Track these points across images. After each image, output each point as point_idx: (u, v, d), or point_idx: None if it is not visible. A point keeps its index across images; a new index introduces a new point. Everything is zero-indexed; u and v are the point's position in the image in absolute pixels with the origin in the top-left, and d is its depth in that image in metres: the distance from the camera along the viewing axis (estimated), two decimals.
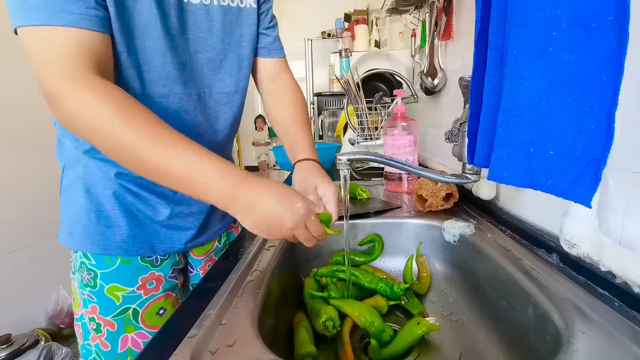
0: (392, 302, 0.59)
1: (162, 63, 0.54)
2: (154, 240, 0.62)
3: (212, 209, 0.69)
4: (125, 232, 0.59)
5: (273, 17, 0.71)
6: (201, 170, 0.43)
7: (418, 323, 0.48)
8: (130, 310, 0.61)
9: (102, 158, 0.57)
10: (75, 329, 0.64)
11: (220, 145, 0.68)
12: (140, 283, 0.61)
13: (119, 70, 0.51)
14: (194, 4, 0.56)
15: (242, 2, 0.63)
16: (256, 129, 4.99)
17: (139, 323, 0.62)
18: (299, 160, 0.64)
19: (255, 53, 0.69)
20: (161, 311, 0.64)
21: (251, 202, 0.44)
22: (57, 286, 1.76)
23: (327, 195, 0.56)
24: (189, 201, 0.64)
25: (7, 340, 1.45)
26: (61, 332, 1.70)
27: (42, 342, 1.53)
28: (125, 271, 0.60)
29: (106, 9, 0.47)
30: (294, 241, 0.48)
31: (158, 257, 0.63)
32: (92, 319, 0.60)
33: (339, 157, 0.57)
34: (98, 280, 0.59)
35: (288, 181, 1.24)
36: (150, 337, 0.62)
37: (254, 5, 0.65)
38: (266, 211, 0.44)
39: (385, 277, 0.65)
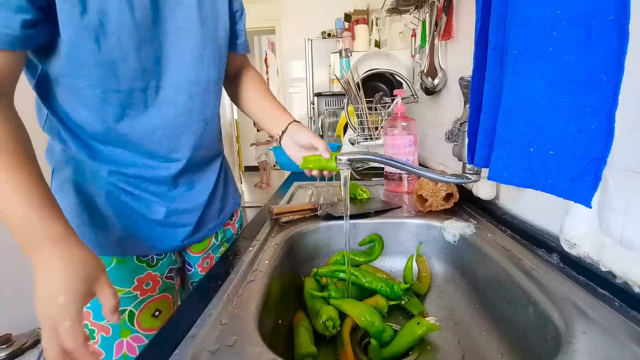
0: (392, 302, 0.59)
1: (137, 57, 0.52)
2: (150, 239, 0.61)
3: (208, 205, 0.68)
4: (119, 232, 0.58)
5: (242, 8, 0.70)
6: (13, 216, 0.45)
7: (418, 323, 0.48)
8: (127, 313, 0.60)
9: (93, 157, 0.56)
10: None
11: (210, 139, 0.66)
12: (136, 283, 0.61)
13: (92, 69, 0.49)
14: None
15: None
16: (257, 129, 4.98)
17: (134, 326, 0.61)
18: (290, 123, 0.73)
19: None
20: (157, 313, 0.64)
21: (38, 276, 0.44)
22: None
23: (320, 147, 0.67)
24: (185, 198, 0.64)
25: (7, 340, 1.45)
26: None
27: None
28: (121, 272, 0.59)
29: (41, 15, 0.44)
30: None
31: (154, 256, 0.63)
32: (84, 325, 0.59)
33: (339, 157, 0.57)
34: None
35: (289, 181, 1.24)
36: (146, 340, 0.62)
37: None
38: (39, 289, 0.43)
39: (385, 277, 0.65)
